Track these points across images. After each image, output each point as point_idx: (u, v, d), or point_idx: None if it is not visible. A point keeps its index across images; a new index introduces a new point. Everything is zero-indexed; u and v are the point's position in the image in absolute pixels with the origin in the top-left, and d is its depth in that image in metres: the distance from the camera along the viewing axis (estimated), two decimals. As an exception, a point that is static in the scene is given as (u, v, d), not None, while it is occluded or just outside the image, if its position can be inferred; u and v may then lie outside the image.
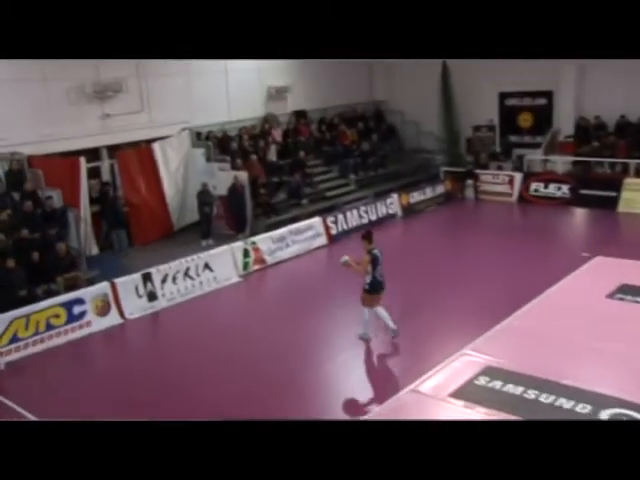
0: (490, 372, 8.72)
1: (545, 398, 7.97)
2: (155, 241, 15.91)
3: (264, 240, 14.72)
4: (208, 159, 16.93)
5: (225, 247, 14.01)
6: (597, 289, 11.48)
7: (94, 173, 15.84)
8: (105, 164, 16.33)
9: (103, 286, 11.90)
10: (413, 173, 21.64)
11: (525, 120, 21.43)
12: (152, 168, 16.26)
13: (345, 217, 16.91)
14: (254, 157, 17.45)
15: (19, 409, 8.70)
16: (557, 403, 7.85)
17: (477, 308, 11.16)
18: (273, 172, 17.97)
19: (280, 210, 17.27)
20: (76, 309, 11.38)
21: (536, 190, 19.31)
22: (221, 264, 13.62)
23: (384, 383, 9.17)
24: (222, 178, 16.48)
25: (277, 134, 19.56)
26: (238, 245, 14.20)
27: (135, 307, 12.16)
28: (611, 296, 11.19)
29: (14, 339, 10.62)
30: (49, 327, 11.01)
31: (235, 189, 16.11)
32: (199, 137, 17.57)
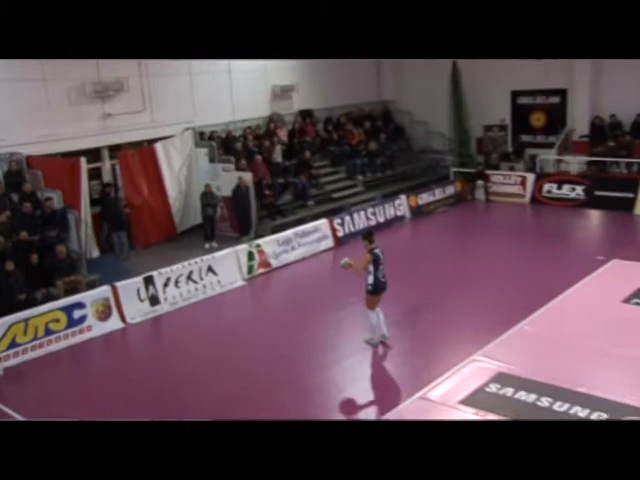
0: (502, 379, 8.60)
1: (559, 406, 7.85)
2: (157, 243, 15.83)
3: (269, 243, 14.52)
4: (212, 160, 16.79)
5: (229, 250, 13.82)
6: (613, 293, 11.34)
7: (95, 174, 15.77)
8: (106, 165, 16.22)
9: (104, 290, 11.79)
10: (422, 174, 21.58)
11: (538, 119, 21.08)
12: (154, 169, 16.14)
13: (352, 219, 16.68)
14: (259, 157, 17.31)
15: (17, 416, 8.57)
16: (571, 411, 7.74)
17: (488, 313, 11.01)
18: (278, 173, 17.84)
19: (286, 212, 17.14)
20: (76, 313, 11.25)
21: (549, 191, 18.95)
22: (225, 267, 13.43)
23: (392, 390, 9.03)
24: (226, 179, 16.35)
25: (282, 134, 19.37)
26: (243, 248, 13.99)
27: (137, 311, 12.01)
28: (627, 301, 11.06)
29: (12, 344, 10.49)
30: (48, 332, 10.90)
31: (239, 190, 15.96)
32: (202, 137, 17.43)
